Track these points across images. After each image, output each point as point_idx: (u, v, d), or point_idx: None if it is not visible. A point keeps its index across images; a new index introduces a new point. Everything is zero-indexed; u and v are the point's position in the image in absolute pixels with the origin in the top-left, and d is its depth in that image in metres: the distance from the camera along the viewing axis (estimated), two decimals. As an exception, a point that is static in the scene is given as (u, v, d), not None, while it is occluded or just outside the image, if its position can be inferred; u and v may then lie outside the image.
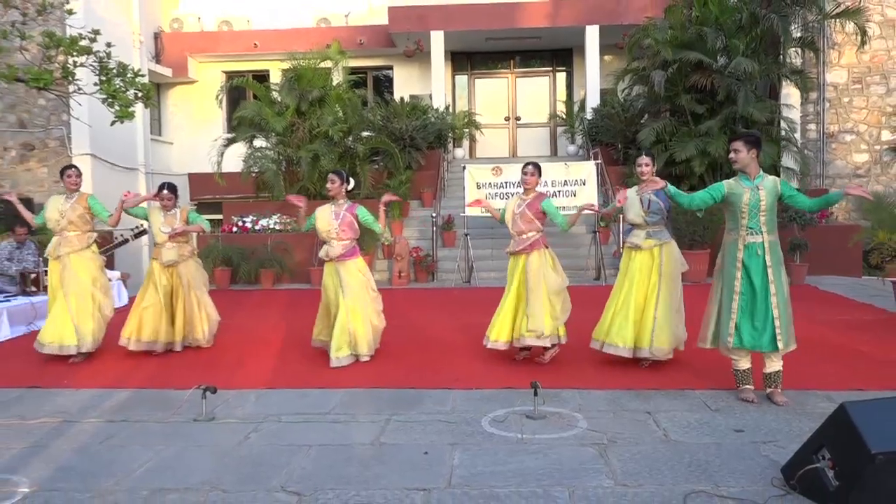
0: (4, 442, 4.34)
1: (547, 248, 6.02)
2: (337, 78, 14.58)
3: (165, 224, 6.67)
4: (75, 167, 6.76)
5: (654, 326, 5.67)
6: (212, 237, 12.77)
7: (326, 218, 6.31)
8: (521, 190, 6.26)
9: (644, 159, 5.88)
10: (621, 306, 5.80)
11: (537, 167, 6.10)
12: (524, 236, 5.97)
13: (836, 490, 3.18)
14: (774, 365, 4.86)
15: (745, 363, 4.95)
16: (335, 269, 6.27)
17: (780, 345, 4.74)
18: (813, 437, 3.42)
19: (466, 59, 18.25)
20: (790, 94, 14.06)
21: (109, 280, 7.61)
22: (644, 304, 5.76)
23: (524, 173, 6.05)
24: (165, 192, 6.72)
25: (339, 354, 6.12)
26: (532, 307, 5.80)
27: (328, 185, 6.40)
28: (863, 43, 12.75)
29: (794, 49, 13.55)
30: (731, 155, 4.94)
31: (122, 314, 6.92)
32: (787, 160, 13.28)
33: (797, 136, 13.84)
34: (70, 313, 6.39)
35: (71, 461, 4.02)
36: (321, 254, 6.39)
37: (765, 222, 4.83)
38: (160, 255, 6.68)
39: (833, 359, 5.96)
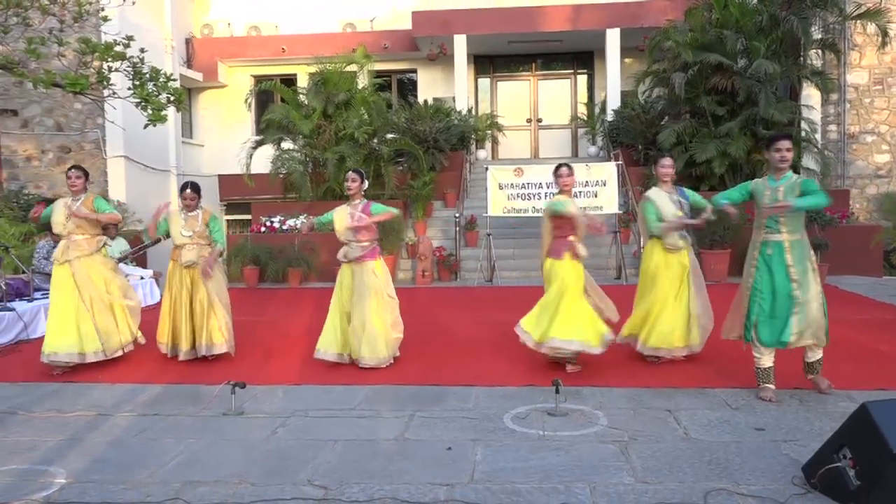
0: (42, 434, 4.47)
1: None
2: (362, 81, 14.72)
3: (187, 227, 6.39)
4: (77, 168, 6.38)
5: (691, 323, 5.76)
6: (241, 237, 13.02)
7: (343, 219, 6.12)
8: (548, 190, 6.11)
9: (667, 160, 5.96)
10: (672, 308, 5.74)
11: (571, 168, 5.87)
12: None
13: (857, 489, 3.18)
14: (814, 355, 4.90)
15: (767, 361, 4.93)
16: (352, 270, 6.10)
17: (792, 339, 4.74)
18: (834, 437, 3.42)
19: (489, 62, 18.30)
20: (811, 95, 13.93)
21: (127, 276, 7.63)
22: (679, 303, 5.79)
23: (559, 175, 5.77)
24: (188, 191, 6.45)
25: (365, 354, 6.02)
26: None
27: (349, 185, 6.17)
28: (884, 44, 12.61)
29: (814, 50, 13.47)
30: (784, 154, 4.88)
31: (153, 312, 7.01)
32: (808, 161, 13.19)
33: (818, 137, 13.72)
34: (92, 319, 6.16)
35: (105, 453, 4.11)
36: (339, 255, 6.19)
37: (784, 222, 4.83)
38: (180, 257, 6.38)
39: (854, 358, 5.91)
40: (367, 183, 6.34)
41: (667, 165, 5.90)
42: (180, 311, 6.37)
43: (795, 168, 12.58)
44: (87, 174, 6.41)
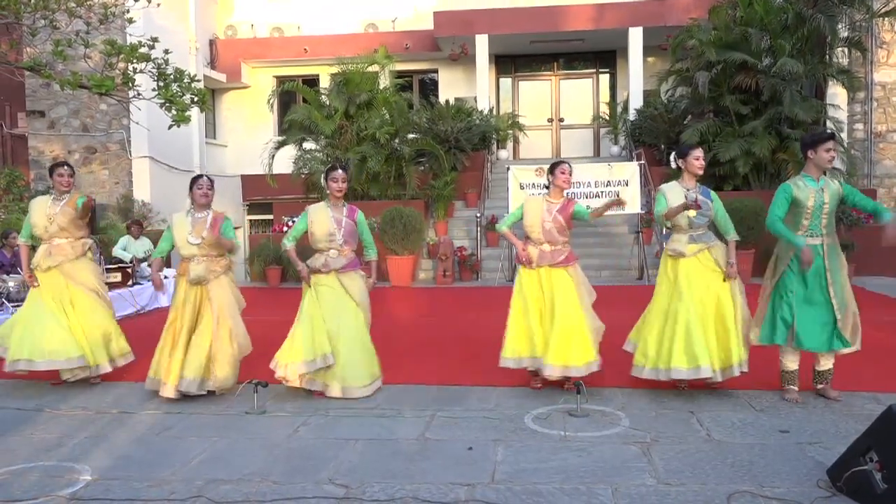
0: (69, 432, 4.54)
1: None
2: (384, 82, 14.78)
3: (194, 234, 5.27)
4: (66, 165, 5.80)
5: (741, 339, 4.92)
6: (263, 237, 13.14)
7: (324, 222, 5.32)
8: (569, 190, 5.47)
9: (699, 151, 5.15)
10: (683, 324, 4.86)
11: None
12: (558, 247, 5.21)
13: (884, 493, 3.14)
14: (827, 363, 4.83)
15: (793, 364, 4.86)
16: (337, 280, 5.32)
17: (840, 346, 4.69)
18: (860, 439, 3.38)
19: (510, 62, 18.29)
20: (837, 93, 13.76)
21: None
22: (716, 314, 4.95)
23: (562, 172, 5.22)
24: (204, 179, 5.43)
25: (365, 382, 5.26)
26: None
27: (333, 185, 5.32)
28: (913, 42, 12.46)
29: (840, 48, 13.29)
30: (833, 154, 4.90)
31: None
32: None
33: (844, 136, 13.53)
34: (82, 330, 5.58)
35: (130, 451, 4.17)
36: (317, 263, 5.33)
37: (825, 225, 4.78)
38: (187, 272, 5.28)
39: (881, 360, 5.81)
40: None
41: (701, 157, 5.07)
42: (179, 337, 5.26)
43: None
44: (73, 172, 5.83)
